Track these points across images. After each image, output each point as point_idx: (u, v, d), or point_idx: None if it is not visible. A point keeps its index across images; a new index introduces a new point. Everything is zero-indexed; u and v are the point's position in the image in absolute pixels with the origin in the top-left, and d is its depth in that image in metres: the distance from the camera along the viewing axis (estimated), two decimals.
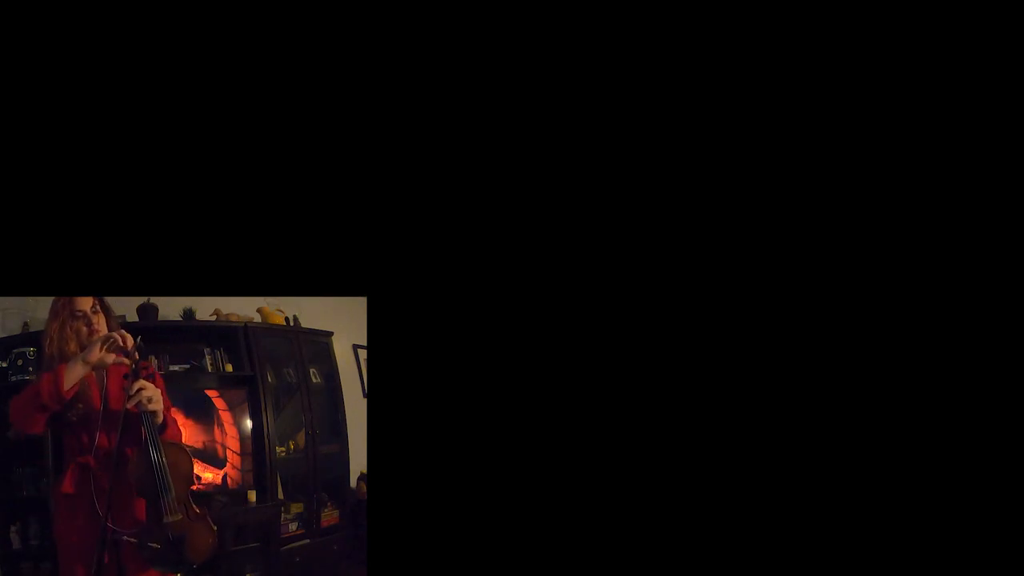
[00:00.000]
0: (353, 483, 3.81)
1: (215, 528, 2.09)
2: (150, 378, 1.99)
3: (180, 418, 3.17)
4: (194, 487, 2.14)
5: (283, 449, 3.44)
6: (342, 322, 3.93)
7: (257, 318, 3.55)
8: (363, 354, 4.09)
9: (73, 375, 1.89)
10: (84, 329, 2.02)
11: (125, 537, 1.93)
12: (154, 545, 1.92)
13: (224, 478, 3.36)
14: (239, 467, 3.38)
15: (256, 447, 3.36)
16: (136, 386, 1.92)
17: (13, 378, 2.86)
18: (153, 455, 1.94)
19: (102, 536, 1.90)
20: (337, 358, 3.87)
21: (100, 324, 2.05)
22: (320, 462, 3.59)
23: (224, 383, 3.39)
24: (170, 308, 3.34)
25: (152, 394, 1.94)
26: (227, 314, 3.45)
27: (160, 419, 1.99)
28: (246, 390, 3.40)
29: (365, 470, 3.55)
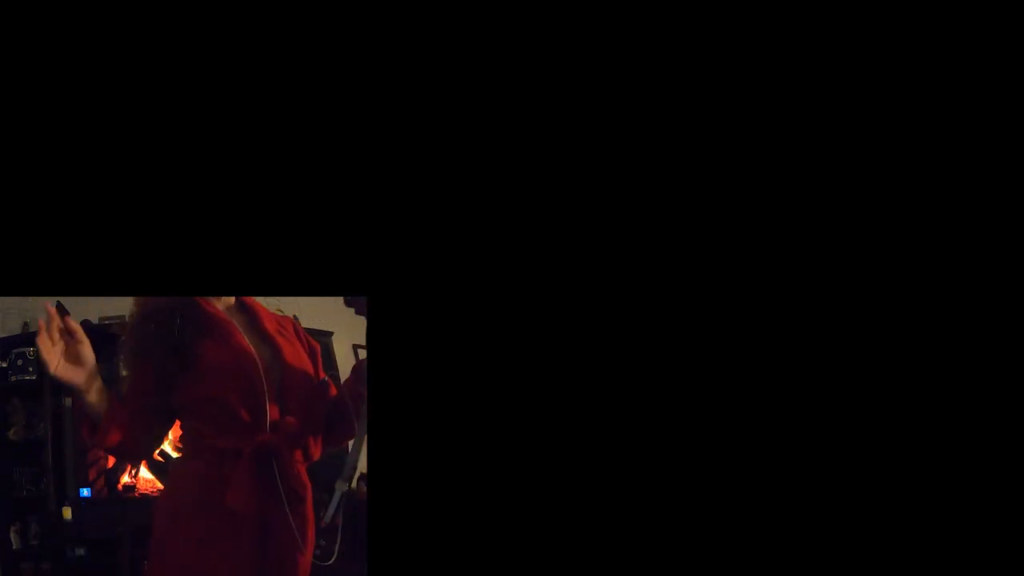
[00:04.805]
0: (353, 483, 3.80)
1: None
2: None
3: None
4: None
5: None
6: (342, 322, 3.92)
7: None
8: (363, 354, 4.08)
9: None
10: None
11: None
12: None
13: None
14: None
15: None
16: None
17: (13, 378, 2.87)
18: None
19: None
20: (337, 358, 3.87)
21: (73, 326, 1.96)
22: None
23: None
24: None
25: None
26: None
27: None
28: None
29: (365, 470, 3.54)
